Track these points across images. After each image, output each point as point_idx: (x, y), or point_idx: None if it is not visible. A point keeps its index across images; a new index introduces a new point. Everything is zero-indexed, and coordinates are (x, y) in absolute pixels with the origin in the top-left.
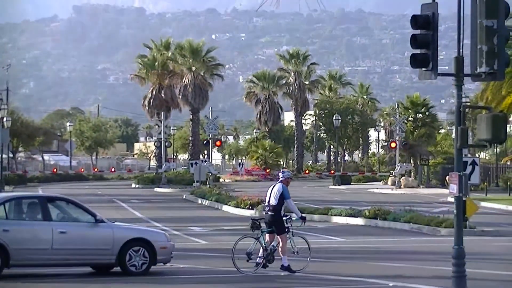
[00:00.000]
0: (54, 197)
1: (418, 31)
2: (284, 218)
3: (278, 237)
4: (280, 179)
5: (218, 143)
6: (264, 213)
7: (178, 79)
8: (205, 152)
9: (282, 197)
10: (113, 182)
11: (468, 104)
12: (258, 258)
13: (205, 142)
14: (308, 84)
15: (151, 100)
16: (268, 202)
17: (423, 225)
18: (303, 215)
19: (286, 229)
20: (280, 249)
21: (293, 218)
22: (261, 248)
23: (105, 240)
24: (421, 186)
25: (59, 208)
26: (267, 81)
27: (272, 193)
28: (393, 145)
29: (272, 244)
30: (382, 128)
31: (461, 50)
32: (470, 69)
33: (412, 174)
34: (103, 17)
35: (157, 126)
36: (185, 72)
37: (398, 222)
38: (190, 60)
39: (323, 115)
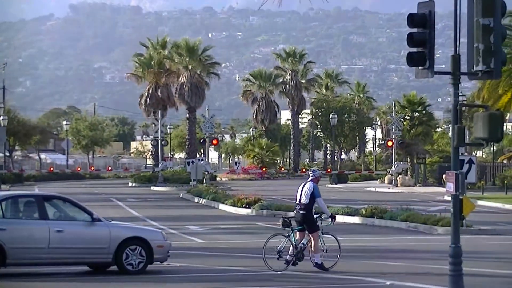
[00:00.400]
0: (50, 196)
1: (414, 30)
2: (315, 216)
3: (310, 235)
4: (311, 177)
5: (214, 141)
6: (295, 212)
7: (174, 78)
8: (202, 150)
9: (313, 196)
10: (110, 180)
11: (465, 102)
12: (288, 256)
13: (201, 140)
14: (305, 83)
15: (148, 99)
16: (299, 200)
17: (420, 223)
18: (333, 214)
19: (317, 227)
20: (312, 247)
21: (323, 217)
22: (291, 246)
23: (102, 239)
24: (417, 185)
25: (56, 207)
26: (264, 80)
27: (303, 192)
28: (390, 143)
29: (302, 242)
30: (378, 127)
31: (457, 49)
32: (467, 68)
33: (408, 172)
34: (99, 16)
35: (153, 125)
36: (182, 70)
37: (395, 220)
38: (187, 59)
39: (319, 114)
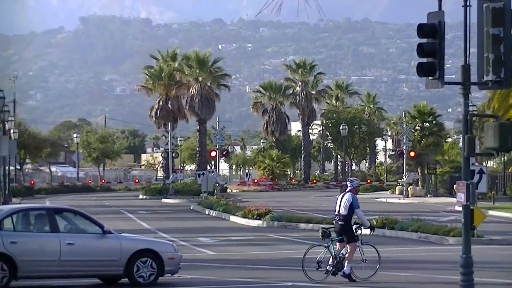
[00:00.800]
0: (61, 209)
1: (424, 40)
2: (354, 226)
3: (348, 245)
4: (349, 188)
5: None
6: (334, 223)
7: (185, 90)
8: (212, 162)
9: (352, 207)
10: (121, 193)
11: (475, 112)
12: (328, 266)
13: (211, 152)
14: (315, 94)
15: (158, 111)
16: (338, 211)
17: (430, 234)
18: (372, 225)
19: (356, 238)
20: (347, 256)
21: (362, 227)
22: (331, 256)
23: (113, 251)
24: (428, 195)
25: (67, 220)
26: (274, 91)
27: (342, 203)
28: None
29: (341, 252)
30: (389, 137)
31: (467, 59)
32: (477, 78)
33: (419, 183)
34: (109, 28)
35: (164, 137)
36: (192, 82)
37: (406, 231)
38: (197, 71)
39: (330, 125)
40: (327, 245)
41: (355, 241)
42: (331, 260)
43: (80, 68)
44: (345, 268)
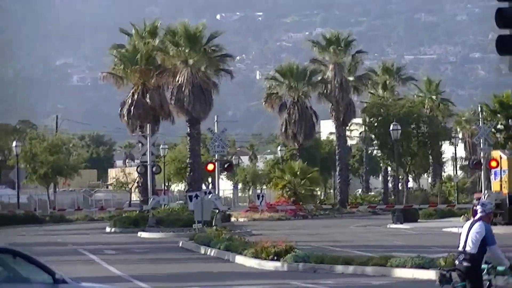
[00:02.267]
0: None
1: (506, 4)
2: (485, 266)
3: None
4: (479, 214)
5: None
6: (457, 263)
7: (169, 78)
8: (209, 179)
9: (485, 243)
10: (79, 225)
11: None
12: None
13: (208, 165)
14: (353, 81)
15: (132, 108)
16: (464, 248)
17: None
18: None
19: (488, 284)
20: None
21: (499, 269)
22: None
23: None
24: None
25: (3, 264)
26: (295, 78)
27: (470, 236)
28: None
29: None
30: (460, 141)
31: None
32: None
33: None
34: None
35: (140, 145)
36: (179, 67)
37: (499, 275)
38: (186, 51)
39: (375, 124)
40: None
41: None
42: None
43: (20, 49)
44: None
